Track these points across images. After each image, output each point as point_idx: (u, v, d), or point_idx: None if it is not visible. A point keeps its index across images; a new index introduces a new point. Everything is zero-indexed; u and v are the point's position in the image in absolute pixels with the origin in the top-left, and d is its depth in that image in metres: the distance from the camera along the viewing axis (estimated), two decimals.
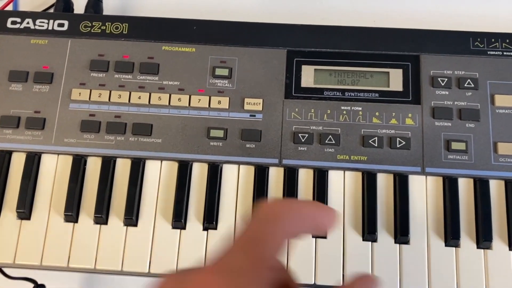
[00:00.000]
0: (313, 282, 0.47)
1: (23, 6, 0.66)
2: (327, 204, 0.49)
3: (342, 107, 0.52)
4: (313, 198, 0.50)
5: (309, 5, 0.65)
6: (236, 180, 0.51)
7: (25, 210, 0.49)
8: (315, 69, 0.53)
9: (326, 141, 0.50)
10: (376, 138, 0.50)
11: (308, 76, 0.53)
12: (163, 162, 0.51)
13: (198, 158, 0.51)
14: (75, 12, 0.60)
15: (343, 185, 0.50)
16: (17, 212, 0.50)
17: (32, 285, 0.52)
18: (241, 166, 0.51)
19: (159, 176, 0.51)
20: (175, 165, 0.51)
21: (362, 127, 0.51)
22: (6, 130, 0.52)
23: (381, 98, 0.52)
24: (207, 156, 0.51)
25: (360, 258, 0.48)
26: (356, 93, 0.52)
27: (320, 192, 0.49)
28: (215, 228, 0.49)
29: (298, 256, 0.48)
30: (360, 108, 0.52)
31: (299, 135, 0.51)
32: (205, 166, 0.51)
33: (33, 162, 0.51)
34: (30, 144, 0.51)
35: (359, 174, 0.50)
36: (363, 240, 0.49)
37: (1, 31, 0.55)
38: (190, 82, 0.53)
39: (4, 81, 0.53)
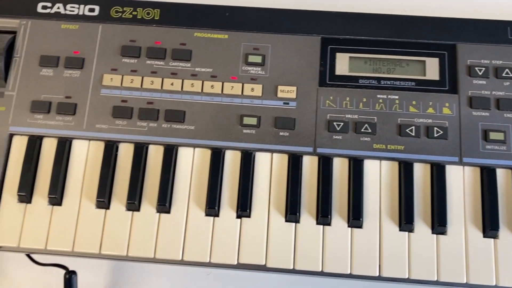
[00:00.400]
0: (349, 272, 0.47)
1: None
2: (363, 194, 0.48)
3: (378, 96, 0.51)
4: (349, 188, 0.49)
5: None
6: (269, 168, 0.50)
7: (56, 195, 0.49)
8: (350, 57, 0.52)
9: (362, 130, 0.50)
10: (413, 127, 0.50)
11: (343, 64, 0.52)
12: (196, 149, 0.51)
13: (231, 146, 0.50)
14: None
15: (379, 175, 0.49)
16: (49, 197, 0.49)
17: (61, 272, 0.52)
18: (274, 154, 0.50)
19: (191, 163, 0.51)
20: (207, 152, 0.51)
21: (398, 116, 0.50)
22: (37, 115, 0.51)
23: (417, 87, 0.51)
24: (240, 143, 0.50)
25: (396, 248, 0.47)
26: (392, 81, 0.51)
27: (356, 181, 0.49)
28: (249, 216, 0.49)
29: (334, 246, 0.47)
30: (397, 97, 0.51)
31: (334, 123, 0.50)
32: (238, 154, 0.51)
33: (64, 148, 0.50)
34: (61, 129, 0.51)
35: (396, 163, 0.50)
36: (400, 230, 0.48)
37: (31, 15, 0.54)
38: (222, 69, 0.52)
39: (35, 66, 0.53)
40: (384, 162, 0.50)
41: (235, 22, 0.53)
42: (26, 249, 0.49)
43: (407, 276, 0.47)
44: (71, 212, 0.49)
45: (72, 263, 0.52)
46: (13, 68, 0.53)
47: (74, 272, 0.50)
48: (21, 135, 0.51)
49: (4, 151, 0.50)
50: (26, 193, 0.49)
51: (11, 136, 0.51)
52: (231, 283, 0.55)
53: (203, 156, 0.51)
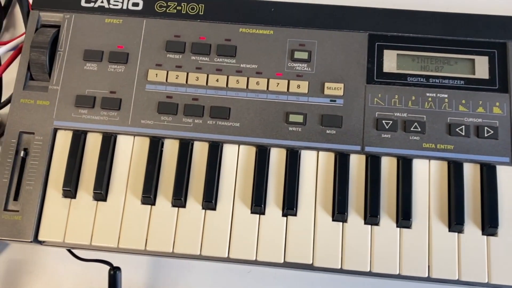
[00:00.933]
0: (397, 273, 0.46)
1: None
2: (412, 194, 0.48)
3: (427, 94, 0.50)
4: (397, 187, 0.48)
5: None
6: (315, 166, 0.49)
7: (102, 191, 0.49)
8: (397, 54, 0.51)
9: (412, 129, 0.49)
10: (463, 126, 0.49)
11: (391, 61, 0.51)
12: (241, 146, 0.50)
13: (276, 143, 0.50)
14: None
15: (428, 174, 0.49)
16: (94, 193, 0.49)
17: (100, 267, 0.52)
18: (320, 152, 0.50)
19: (236, 160, 0.50)
20: (252, 150, 0.50)
21: (448, 115, 0.49)
22: (82, 109, 0.51)
23: (466, 86, 0.50)
24: (285, 141, 0.50)
25: (446, 249, 0.46)
26: (440, 79, 0.50)
27: (405, 181, 0.48)
28: (295, 215, 0.48)
29: (382, 246, 0.47)
30: (446, 96, 0.50)
31: (383, 121, 0.49)
32: (283, 152, 0.50)
33: (109, 143, 0.50)
34: (106, 124, 0.51)
35: (445, 163, 0.49)
36: (449, 231, 0.47)
37: (75, 9, 0.54)
38: (268, 66, 0.52)
39: (79, 60, 0.52)
40: (433, 162, 0.49)
41: (280, 18, 0.53)
42: (70, 244, 0.49)
43: (456, 278, 0.46)
44: (116, 208, 0.49)
45: (110, 259, 0.52)
46: (57, 62, 0.52)
47: (118, 268, 0.50)
48: (65, 129, 0.51)
49: (49, 146, 0.50)
50: (71, 188, 0.49)
51: (55, 130, 0.51)
52: (272, 281, 0.54)
53: (248, 154, 0.50)
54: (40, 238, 0.49)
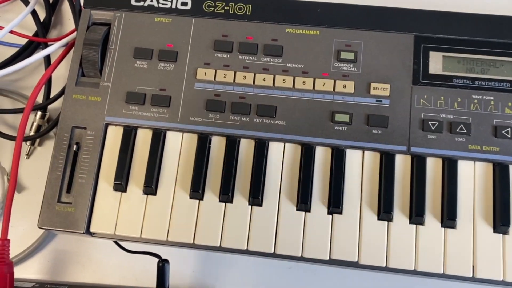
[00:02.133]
0: (442, 272, 0.47)
1: None
2: (457, 194, 0.48)
3: (473, 96, 0.50)
4: (442, 188, 0.49)
5: None
6: (360, 165, 0.50)
7: (152, 185, 0.50)
8: (443, 56, 0.52)
9: (457, 130, 0.49)
10: (509, 129, 0.49)
11: (436, 63, 0.52)
12: (287, 144, 0.51)
13: (322, 142, 0.51)
14: None
15: (473, 176, 0.49)
16: (144, 187, 0.50)
17: (143, 259, 0.53)
18: (366, 151, 0.51)
19: (282, 158, 0.51)
20: (298, 148, 0.51)
21: (494, 117, 0.50)
22: (133, 106, 0.52)
23: None
24: (331, 140, 0.51)
25: (490, 250, 0.47)
26: (486, 82, 0.51)
27: (451, 181, 0.48)
28: (340, 213, 0.49)
29: (427, 245, 0.47)
30: (492, 98, 0.50)
31: (429, 122, 0.50)
32: (328, 150, 0.51)
33: (159, 139, 0.52)
34: (156, 121, 0.52)
35: (490, 165, 0.49)
36: (494, 232, 0.47)
37: (126, 8, 0.55)
38: (314, 65, 0.53)
39: (130, 58, 0.54)
40: (478, 163, 0.49)
41: (327, 19, 0.53)
42: (120, 236, 0.51)
43: (501, 278, 0.46)
44: (165, 202, 0.50)
45: (155, 251, 0.53)
46: (108, 59, 0.54)
47: (167, 261, 0.51)
48: (116, 125, 0.52)
49: (100, 141, 0.52)
50: (122, 182, 0.50)
51: (106, 126, 0.52)
52: (312, 277, 0.56)
53: (293, 151, 0.51)
54: (92, 229, 0.50)
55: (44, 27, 0.64)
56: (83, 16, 0.56)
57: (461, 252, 0.47)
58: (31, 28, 0.65)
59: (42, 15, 0.66)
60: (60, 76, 0.63)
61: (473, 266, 0.47)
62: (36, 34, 0.64)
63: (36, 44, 0.64)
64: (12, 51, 0.64)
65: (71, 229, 0.50)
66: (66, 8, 0.67)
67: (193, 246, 0.50)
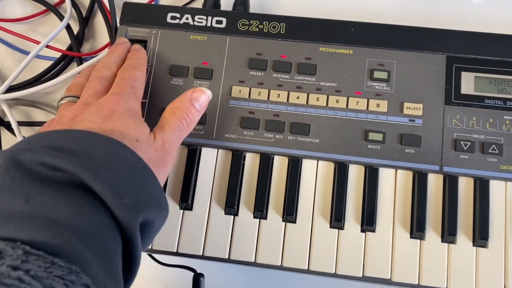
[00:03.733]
0: None
1: (164, 1, 0.68)
2: (489, 214, 0.49)
3: (505, 117, 0.51)
4: (474, 208, 0.50)
5: (452, 10, 0.64)
6: (393, 184, 0.51)
7: (188, 201, 0.51)
8: (475, 76, 0.53)
9: (489, 151, 0.50)
10: None
11: (468, 83, 0.52)
12: (320, 161, 0.52)
13: (355, 160, 0.52)
14: (221, 8, 0.62)
15: (504, 196, 0.50)
16: (181, 202, 0.52)
17: (174, 272, 0.54)
18: (398, 170, 0.51)
19: (315, 176, 0.52)
20: (331, 165, 0.52)
21: None
22: None
23: None
24: (364, 158, 0.52)
25: None
26: None
27: (483, 201, 0.49)
28: (374, 231, 0.50)
29: (459, 264, 0.48)
30: None
31: (462, 142, 0.50)
32: (362, 168, 0.52)
33: (195, 155, 0.53)
34: (192, 137, 0.53)
35: None
36: None
37: (161, 25, 0.56)
38: (347, 84, 0.54)
39: (166, 75, 0.55)
40: (509, 184, 0.50)
41: (360, 38, 0.54)
42: (157, 251, 0.52)
43: None
44: (201, 217, 0.51)
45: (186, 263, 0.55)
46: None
47: (202, 275, 0.52)
48: None
49: None
50: None
51: None
52: None
53: (326, 169, 0.52)
54: None
55: (77, 41, 0.66)
56: (120, 33, 0.57)
57: (492, 271, 0.48)
58: (64, 41, 0.67)
59: (75, 28, 0.67)
60: None
61: (504, 285, 0.48)
62: (70, 48, 0.66)
63: (70, 57, 0.65)
64: (46, 63, 0.65)
65: None
66: (98, 22, 0.69)
67: (228, 261, 0.51)
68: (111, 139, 0.39)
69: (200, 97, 0.49)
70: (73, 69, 0.60)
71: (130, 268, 0.38)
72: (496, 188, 0.50)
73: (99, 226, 0.34)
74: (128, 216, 0.36)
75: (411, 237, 0.49)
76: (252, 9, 0.63)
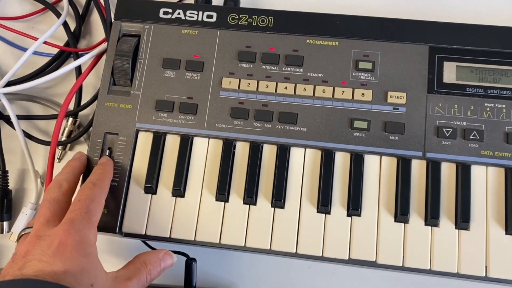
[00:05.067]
0: (456, 272, 0.49)
1: None
2: (470, 197, 0.51)
3: (486, 104, 0.53)
4: (456, 192, 0.51)
5: (436, 3, 0.66)
6: (378, 170, 0.53)
7: (181, 188, 0.53)
8: (457, 66, 0.54)
9: (471, 137, 0.52)
10: None
11: (450, 72, 0.54)
12: (307, 149, 0.54)
13: (341, 148, 0.53)
14: (213, 3, 0.64)
15: (485, 180, 0.52)
16: (173, 189, 0.53)
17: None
18: (383, 157, 0.53)
19: (303, 163, 0.54)
20: (318, 153, 0.54)
21: (506, 124, 0.52)
22: (162, 113, 0.56)
23: None
24: (350, 146, 0.53)
25: (503, 251, 0.49)
26: (498, 90, 0.53)
27: (464, 186, 0.51)
28: (359, 215, 0.52)
29: (442, 247, 0.50)
30: (504, 106, 0.53)
31: (444, 129, 0.52)
32: (347, 155, 0.54)
33: (187, 144, 0.55)
34: (184, 127, 0.55)
35: (502, 170, 0.52)
36: (506, 233, 0.50)
37: (154, 20, 0.59)
38: (333, 75, 0.55)
39: (159, 68, 0.57)
40: (490, 168, 0.52)
41: (345, 30, 0.56)
42: (151, 237, 0.54)
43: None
44: (193, 204, 0.53)
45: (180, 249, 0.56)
46: (138, 69, 0.57)
47: (194, 259, 0.54)
48: (146, 131, 0.56)
49: (131, 146, 0.55)
50: (152, 185, 0.53)
51: (137, 132, 0.56)
52: (330, 276, 0.58)
53: (314, 157, 0.54)
54: (123, 230, 0.53)
55: (74, 37, 0.68)
56: (114, 28, 0.59)
57: (474, 252, 0.50)
58: (62, 38, 0.69)
59: (72, 25, 0.69)
60: (90, 84, 0.67)
61: (486, 266, 0.49)
62: (67, 44, 0.68)
63: (68, 53, 0.67)
64: (44, 60, 0.67)
65: (105, 230, 0.53)
66: (94, 19, 0.71)
67: (219, 246, 0.53)
68: (56, 285, 0.39)
69: (168, 261, 0.50)
70: (71, 64, 0.62)
71: None
72: (478, 173, 0.52)
73: None
74: None
75: (395, 220, 0.51)
76: (243, 4, 0.65)
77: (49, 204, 0.47)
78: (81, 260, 0.42)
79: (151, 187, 0.53)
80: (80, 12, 0.70)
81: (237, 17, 0.58)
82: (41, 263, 0.41)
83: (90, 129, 0.62)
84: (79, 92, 0.65)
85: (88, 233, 0.44)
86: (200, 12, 0.59)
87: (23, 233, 0.48)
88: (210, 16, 0.58)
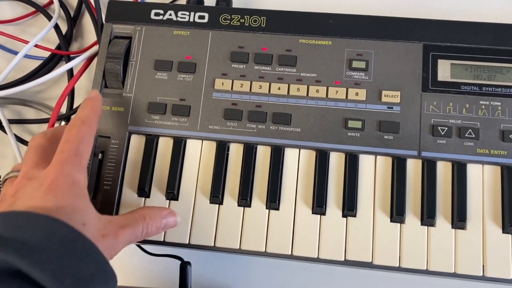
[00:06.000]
0: (453, 271, 0.49)
1: None
2: (466, 196, 0.50)
3: (481, 102, 0.52)
4: (452, 191, 0.51)
5: (429, 0, 0.66)
6: (373, 170, 0.52)
7: (174, 191, 0.52)
8: (451, 64, 0.54)
9: (466, 135, 0.51)
10: None
11: (445, 70, 0.54)
12: (302, 150, 0.54)
13: (335, 148, 0.53)
14: (205, 4, 0.64)
15: (482, 178, 0.51)
16: (167, 192, 0.53)
17: (165, 261, 0.55)
18: (378, 156, 0.53)
19: (297, 164, 0.53)
20: (313, 154, 0.53)
21: (501, 122, 0.52)
22: (154, 115, 0.55)
23: None
24: (344, 146, 0.53)
25: (500, 250, 0.49)
26: (493, 88, 0.53)
27: (460, 184, 0.50)
28: (355, 216, 0.51)
29: (439, 246, 0.49)
30: (499, 103, 0.52)
31: (439, 128, 0.52)
32: (342, 156, 0.53)
33: (180, 147, 0.54)
34: (177, 129, 0.54)
35: (498, 168, 0.51)
36: (503, 232, 0.49)
37: (145, 22, 0.58)
38: (327, 74, 0.55)
39: (151, 70, 0.56)
40: (486, 167, 0.51)
41: (338, 29, 0.56)
42: (144, 241, 0.53)
43: (510, 277, 0.48)
44: (186, 207, 0.53)
45: (176, 253, 0.56)
46: (130, 71, 0.57)
47: (189, 263, 0.53)
48: (139, 134, 0.55)
49: (124, 149, 0.54)
50: (145, 188, 0.53)
51: (129, 135, 0.55)
52: (327, 277, 0.58)
53: (308, 157, 0.53)
54: None
55: (66, 40, 0.67)
56: (105, 30, 0.58)
57: (471, 252, 0.49)
58: (53, 41, 0.68)
59: (63, 28, 0.68)
60: (82, 86, 0.66)
61: (483, 266, 0.49)
62: (58, 47, 0.67)
63: (59, 56, 0.67)
64: (36, 63, 0.67)
65: None
66: (86, 21, 0.70)
67: (214, 248, 0.52)
68: (48, 217, 0.38)
69: (170, 220, 0.50)
70: (63, 66, 0.62)
71: None
72: (474, 172, 0.51)
73: None
74: None
75: (391, 221, 0.51)
76: (235, 4, 0.65)
77: (34, 150, 0.46)
78: (73, 199, 0.41)
79: (144, 191, 0.53)
80: (72, 15, 0.69)
81: (229, 17, 0.57)
82: (33, 200, 0.40)
83: None
84: (71, 95, 0.64)
85: (79, 175, 0.43)
86: (192, 13, 0.58)
87: (7, 176, 0.47)
88: (202, 17, 0.58)
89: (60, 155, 0.44)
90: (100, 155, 0.55)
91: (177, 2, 0.68)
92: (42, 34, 0.64)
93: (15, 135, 0.63)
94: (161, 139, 0.55)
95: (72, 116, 0.62)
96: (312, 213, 0.52)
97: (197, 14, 0.58)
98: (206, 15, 0.58)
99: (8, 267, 0.34)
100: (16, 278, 0.34)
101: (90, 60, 0.63)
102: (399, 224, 0.50)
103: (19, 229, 0.36)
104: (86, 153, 0.45)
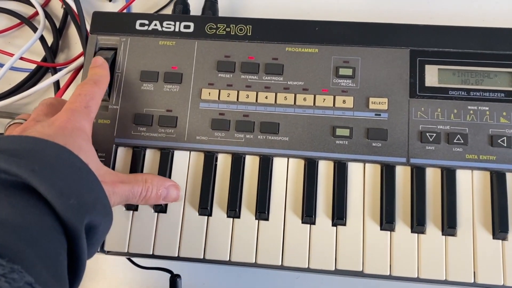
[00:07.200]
0: (444, 279, 0.48)
1: (135, 9, 0.70)
2: (456, 203, 0.50)
3: (469, 107, 0.52)
4: (442, 197, 0.51)
5: (417, 5, 0.66)
6: (362, 178, 0.52)
7: (162, 204, 0.52)
8: (438, 69, 0.54)
9: (455, 141, 0.51)
10: (504, 138, 0.51)
11: (432, 76, 0.54)
12: (290, 159, 0.53)
13: (324, 156, 0.52)
14: (191, 13, 0.63)
15: (471, 184, 0.51)
16: (154, 205, 0.52)
17: (156, 274, 0.55)
18: (366, 164, 0.52)
19: (286, 173, 0.53)
20: (301, 162, 0.53)
21: (490, 127, 0.51)
22: (141, 127, 0.54)
23: (507, 98, 0.52)
24: (333, 154, 0.52)
25: (491, 256, 0.48)
26: (481, 92, 0.53)
27: (450, 190, 0.50)
28: (344, 225, 0.51)
29: (429, 253, 0.49)
30: (487, 108, 0.52)
31: (427, 134, 0.51)
32: (331, 164, 0.53)
33: (167, 158, 0.54)
34: (164, 141, 0.54)
35: (487, 173, 0.51)
36: (493, 238, 0.49)
37: (131, 33, 0.57)
38: (314, 82, 0.55)
39: (137, 81, 0.56)
40: (476, 172, 0.51)
41: (325, 36, 0.55)
42: (133, 254, 0.53)
43: (502, 283, 0.48)
44: (175, 219, 0.52)
45: (166, 265, 0.55)
46: (115, 83, 0.56)
47: (178, 276, 0.53)
48: (126, 146, 0.55)
49: (111, 162, 0.54)
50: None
51: (116, 147, 0.55)
52: (319, 285, 0.57)
53: (297, 166, 0.53)
54: (106, 248, 0.52)
55: (52, 52, 0.66)
56: (90, 42, 0.58)
57: (462, 259, 0.49)
58: (39, 53, 0.68)
59: (49, 39, 0.68)
60: (68, 98, 0.65)
61: (474, 272, 0.49)
62: (44, 59, 0.67)
63: (45, 68, 0.66)
64: (22, 75, 0.66)
65: None
66: (72, 32, 0.70)
67: (203, 261, 0.52)
68: (57, 144, 0.39)
69: (172, 192, 0.51)
70: (49, 79, 0.61)
71: (75, 270, 0.38)
72: (463, 177, 0.51)
73: (42, 227, 0.35)
74: (72, 217, 0.36)
75: (381, 229, 0.50)
76: (221, 13, 0.64)
77: (46, 105, 0.49)
78: (79, 141, 0.43)
79: (130, 204, 0.52)
80: (58, 26, 0.68)
81: (215, 26, 0.57)
82: (41, 133, 0.41)
83: None
84: None
85: (86, 124, 0.45)
86: (177, 23, 0.58)
87: (11, 122, 0.48)
88: (187, 27, 0.57)
89: (71, 104, 0.46)
90: None
91: (162, 12, 0.68)
92: (27, 47, 0.63)
93: None
94: (148, 151, 0.54)
95: None
96: (302, 222, 0.51)
97: (183, 23, 0.57)
98: (192, 24, 0.57)
99: (18, 181, 0.35)
100: (25, 192, 0.35)
101: (76, 71, 0.62)
102: (389, 232, 0.50)
103: (30, 149, 0.38)
104: (95, 109, 0.48)
